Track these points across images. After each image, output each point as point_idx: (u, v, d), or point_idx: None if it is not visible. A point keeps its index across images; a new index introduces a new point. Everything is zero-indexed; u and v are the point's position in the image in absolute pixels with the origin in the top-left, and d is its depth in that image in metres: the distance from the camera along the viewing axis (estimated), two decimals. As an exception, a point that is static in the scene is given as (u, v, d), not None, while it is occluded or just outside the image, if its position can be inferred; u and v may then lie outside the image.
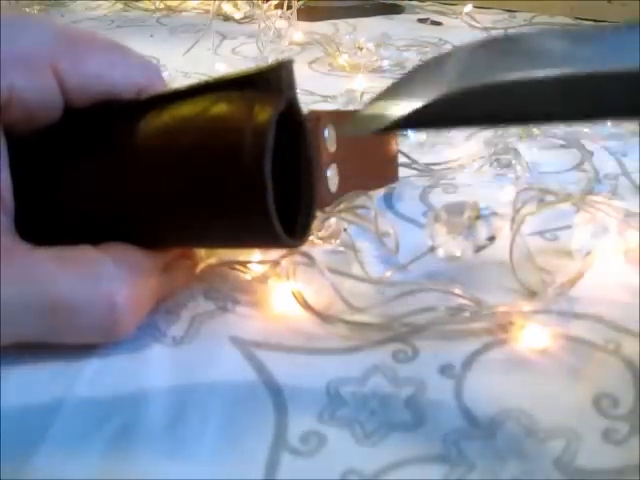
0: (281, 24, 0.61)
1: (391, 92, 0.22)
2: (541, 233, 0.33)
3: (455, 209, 0.30)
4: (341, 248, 0.32)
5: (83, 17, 0.72)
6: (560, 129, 0.42)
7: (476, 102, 0.21)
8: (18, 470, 0.22)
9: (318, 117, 0.30)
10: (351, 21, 0.67)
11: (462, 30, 0.64)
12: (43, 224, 0.27)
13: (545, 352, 0.26)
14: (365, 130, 0.23)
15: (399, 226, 0.33)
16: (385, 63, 0.55)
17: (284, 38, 0.60)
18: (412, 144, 0.41)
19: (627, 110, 0.21)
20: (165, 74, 0.50)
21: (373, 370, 0.26)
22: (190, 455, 0.23)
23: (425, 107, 0.21)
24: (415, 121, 0.21)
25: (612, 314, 0.28)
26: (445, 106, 0.21)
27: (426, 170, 0.39)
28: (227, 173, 0.25)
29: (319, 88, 0.49)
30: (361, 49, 0.56)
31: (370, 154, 0.35)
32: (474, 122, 0.23)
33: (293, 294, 0.29)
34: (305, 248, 0.29)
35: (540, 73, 0.21)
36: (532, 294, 0.29)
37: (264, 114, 0.25)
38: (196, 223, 0.26)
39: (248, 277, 0.31)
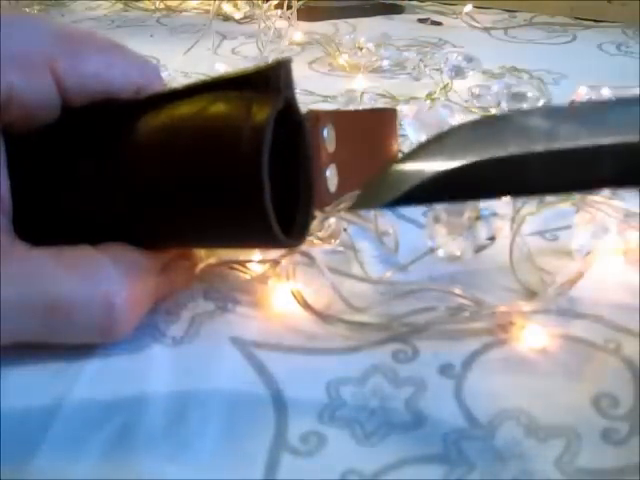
0: (281, 24, 0.61)
1: (398, 165, 0.24)
2: (541, 233, 0.33)
3: (455, 209, 0.30)
4: (341, 248, 0.32)
5: (83, 17, 0.72)
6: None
7: (474, 176, 0.23)
8: (18, 470, 0.22)
9: (317, 117, 0.30)
10: (351, 21, 0.67)
11: (462, 30, 0.64)
12: (41, 224, 0.27)
13: (545, 352, 0.26)
14: (371, 205, 0.26)
15: (399, 226, 0.33)
16: (385, 63, 0.55)
17: (284, 38, 0.60)
18: (412, 144, 0.41)
19: (611, 180, 0.24)
20: (165, 74, 0.50)
21: (373, 370, 0.26)
22: (190, 455, 0.23)
23: (426, 183, 0.23)
24: (417, 196, 0.24)
25: (612, 314, 0.28)
26: (445, 181, 0.23)
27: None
28: (225, 172, 0.25)
29: (319, 88, 0.49)
30: (361, 49, 0.56)
31: (370, 154, 0.35)
32: (475, 195, 0.25)
33: (293, 294, 0.29)
34: (305, 248, 0.29)
35: (525, 149, 0.23)
36: (532, 294, 0.29)
37: (262, 113, 0.25)
38: (194, 223, 0.26)
39: (248, 277, 0.31)
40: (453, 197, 0.25)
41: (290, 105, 0.27)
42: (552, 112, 0.25)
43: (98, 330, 0.26)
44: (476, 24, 0.64)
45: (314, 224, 0.31)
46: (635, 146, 0.22)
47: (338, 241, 0.33)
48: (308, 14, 0.65)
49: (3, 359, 0.26)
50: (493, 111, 0.45)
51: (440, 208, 0.31)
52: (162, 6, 0.73)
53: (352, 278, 0.30)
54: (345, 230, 0.33)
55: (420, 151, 0.24)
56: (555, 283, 0.29)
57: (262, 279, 0.30)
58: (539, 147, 0.23)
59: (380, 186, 0.24)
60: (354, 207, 0.28)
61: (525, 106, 0.45)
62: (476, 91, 0.47)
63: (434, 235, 0.31)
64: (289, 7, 0.62)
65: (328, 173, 0.31)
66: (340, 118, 0.32)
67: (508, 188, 0.24)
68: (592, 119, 0.23)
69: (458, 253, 0.31)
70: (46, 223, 0.27)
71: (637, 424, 0.23)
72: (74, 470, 0.22)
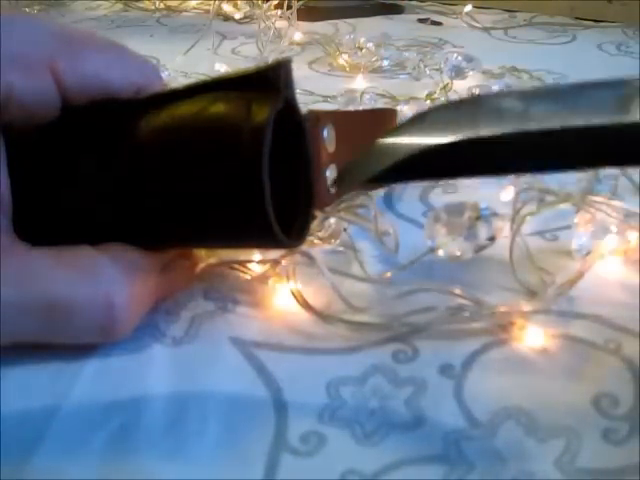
0: (281, 24, 0.61)
1: (379, 146, 0.26)
2: (541, 233, 0.33)
3: (455, 209, 0.30)
4: (341, 248, 0.32)
5: (83, 17, 0.72)
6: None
7: (448, 157, 0.24)
8: (18, 470, 0.22)
9: (317, 117, 0.30)
10: (351, 21, 0.67)
11: (462, 30, 0.64)
12: (41, 224, 0.27)
13: (545, 352, 0.26)
14: (354, 182, 0.28)
15: (399, 226, 0.33)
16: (385, 63, 0.55)
17: (284, 38, 0.60)
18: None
19: (582, 162, 0.24)
20: (165, 74, 0.50)
21: (373, 370, 0.26)
22: (190, 455, 0.23)
23: (403, 161, 0.25)
24: (395, 174, 0.25)
25: (612, 314, 0.28)
26: (422, 160, 0.24)
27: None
28: (225, 172, 0.25)
29: (319, 88, 0.49)
30: (361, 49, 0.56)
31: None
32: (450, 174, 0.27)
33: (293, 294, 0.29)
34: (305, 248, 0.29)
35: (496, 131, 0.23)
36: (532, 294, 0.29)
37: (262, 113, 0.25)
38: (194, 223, 0.26)
39: (248, 277, 0.31)
40: (432, 175, 0.26)
41: (290, 105, 0.27)
42: (526, 94, 0.25)
43: (98, 330, 0.26)
44: (476, 24, 0.64)
45: (314, 224, 0.31)
46: (607, 128, 0.22)
47: (338, 241, 0.33)
48: (308, 14, 0.65)
49: (3, 359, 0.26)
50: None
51: (440, 208, 0.31)
52: (162, 6, 0.73)
53: (352, 278, 0.30)
54: (345, 230, 0.33)
55: (401, 130, 0.25)
56: (555, 283, 0.29)
57: (262, 279, 0.30)
58: (511, 128, 0.23)
59: (360, 164, 0.25)
60: (338, 187, 0.28)
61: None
62: (476, 91, 0.47)
63: (434, 235, 0.31)
64: (289, 7, 0.62)
65: (328, 173, 0.31)
66: (340, 118, 0.32)
67: (482, 168, 0.25)
68: (565, 101, 0.23)
69: (458, 253, 0.30)
70: (46, 223, 0.27)
71: (637, 424, 0.23)
72: (74, 470, 0.22)
